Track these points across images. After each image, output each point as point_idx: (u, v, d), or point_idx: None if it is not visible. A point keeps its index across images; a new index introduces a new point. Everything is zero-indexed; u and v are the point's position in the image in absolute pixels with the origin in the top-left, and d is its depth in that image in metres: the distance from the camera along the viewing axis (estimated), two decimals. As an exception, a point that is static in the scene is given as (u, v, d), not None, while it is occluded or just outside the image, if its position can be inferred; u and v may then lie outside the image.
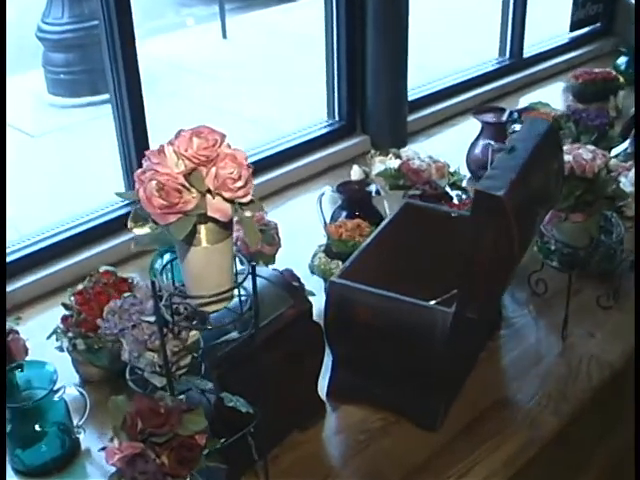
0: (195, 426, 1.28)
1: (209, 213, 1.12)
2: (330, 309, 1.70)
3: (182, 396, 1.38)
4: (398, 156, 2.55)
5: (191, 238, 1.16)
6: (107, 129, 2.37)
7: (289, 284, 1.70)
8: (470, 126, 2.99)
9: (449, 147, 2.84)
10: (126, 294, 1.40)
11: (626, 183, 2.09)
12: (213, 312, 1.28)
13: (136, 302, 1.36)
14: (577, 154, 1.96)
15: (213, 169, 1.13)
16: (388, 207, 2.44)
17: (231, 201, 1.15)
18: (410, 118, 2.92)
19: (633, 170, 2.11)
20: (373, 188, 2.43)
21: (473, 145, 2.70)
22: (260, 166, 2.52)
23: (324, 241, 2.18)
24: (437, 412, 1.74)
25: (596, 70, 2.94)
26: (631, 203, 2.08)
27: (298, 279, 1.84)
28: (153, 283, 1.24)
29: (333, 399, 1.81)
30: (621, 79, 3.05)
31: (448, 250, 1.86)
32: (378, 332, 1.66)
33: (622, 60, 3.30)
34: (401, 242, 1.92)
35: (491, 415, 1.78)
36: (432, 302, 1.70)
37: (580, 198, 1.96)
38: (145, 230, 1.20)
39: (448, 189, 2.41)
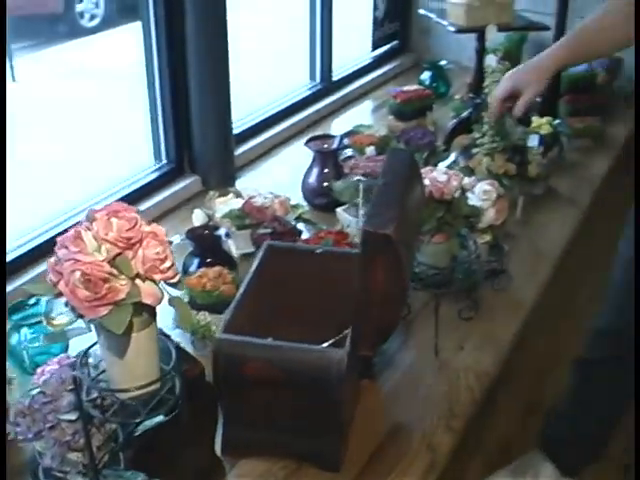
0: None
1: (144, 300, 1.05)
2: (219, 368, 1.62)
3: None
4: (239, 195, 2.53)
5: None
6: None
7: (178, 347, 1.63)
8: (296, 154, 3.03)
9: (279, 178, 2.86)
10: (33, 391, 1.28)
11: (473, 198, 2.18)
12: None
13: (47, 399, 1.25)
14: (432, 178, 2.02)
15: (140, 251, 1.06)
16: (236, 248, 2.41)
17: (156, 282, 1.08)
18: (236, 152, 2.89)
19: (478, 185, 2.21)
20: (222, 231, 2.39)
21: (307, 174, 2.71)
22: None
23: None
24: (338, 451, 1.72)
25: (412, 88, 3.06)
26: (479, 220, 2.18)
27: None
28: (75, 378, 1.14)
29: (229, 456, 1.76)
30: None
31: (321, 286, 1.87)
32: (271, 383, 1.61)
33: (426, 75, 3.45)
34: (274, 285, 1.89)
35: (389, 444, 1.80)
36: (324, 345, 1.68)
37: (441, 220, 2.02)
38: (62, 321, 1.10)
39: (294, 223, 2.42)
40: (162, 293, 1.08)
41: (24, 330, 2.01)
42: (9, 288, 2.20)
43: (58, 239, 1.08)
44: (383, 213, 1.55)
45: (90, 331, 1.69)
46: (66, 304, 1.08)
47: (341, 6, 3.47)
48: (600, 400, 1.97)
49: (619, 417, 2.02)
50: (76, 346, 1.69)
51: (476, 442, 2.20)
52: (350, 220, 2.44)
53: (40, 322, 2.01)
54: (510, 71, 1.60)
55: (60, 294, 1.08)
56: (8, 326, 2.02)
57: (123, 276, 1.05)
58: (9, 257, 2.27)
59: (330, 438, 1.69)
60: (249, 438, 1.73)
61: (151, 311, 1.11)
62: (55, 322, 1.10)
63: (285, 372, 1.58)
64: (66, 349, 2.02)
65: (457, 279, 2.13)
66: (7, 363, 1.90)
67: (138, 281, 1.06)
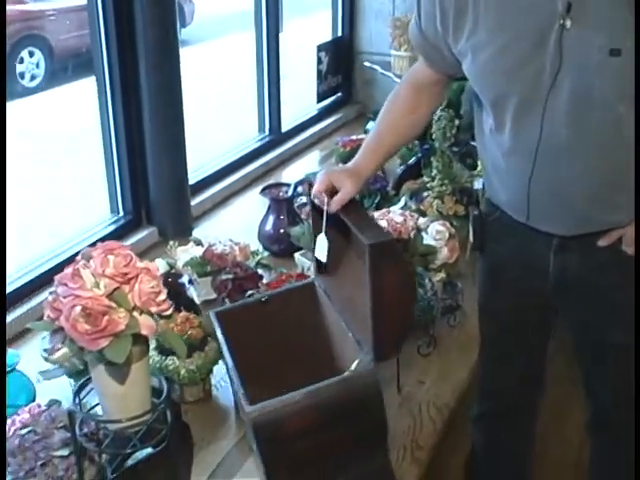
0: None
1: (142, 331, 1.11)
2: (265, 439, 1.52)
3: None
4: (199, 243, 2.59)
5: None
6: None
7: (168, 379, 1.65)
8: (250, 202, 3.11)
9: (235, 226, 2.92)
10: (23, 430, 1.31)
11: (427, 238, 2.29)
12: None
13: (38, 437, 1.28)
14: (390, 219, 2.12)
15: (136, 286, 1.12)
16: (198, 295, 2.46)
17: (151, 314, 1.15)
18: (192, 203, 2.96)
19: (431, 225, 2.32)
20: (185, 279, 2.45)
21: (263, 222, 2.78)
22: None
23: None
24: (389, 463, 1.76)
25: (360, 137, 3.17)
26: (434, 258, 2.28)
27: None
28: (70, 412, 1.19)
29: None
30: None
31: (289, 325, 1.90)
32: (313, 429, 1.56)
33: (371, 125, 3.56)
34: (247, 345, 1.87)
35: None
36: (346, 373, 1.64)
37: (399, 258, 2.11)
38: (60, 354, 1.15)
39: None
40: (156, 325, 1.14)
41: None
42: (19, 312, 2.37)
43: (56, 277, 1.14)
44: (372, 227, 1.60)
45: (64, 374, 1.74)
46: (63, 340, 1.13)
47: (286, 61, 3.60)
48: (504, 444, 2.07)
49: (529, 450, 2.12)
50: (42, 398, 1.73)
51: (442, 468, 2.27)
52: (309, 264, 2.52)
53: (8, 373, 2.03)
54: (329, 169, 1.74)
55: (58, 330, 1.13)
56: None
57: (122, 309, 1.11)
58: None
59: (380, 453, 1.71)
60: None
61: (146, 343, 1.17)
62: (54, 357, 1.15)
63: (328, 410, 1.56)
64: (33, 399, 2.04)
65: (415, 316, 2.22)
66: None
67: (135, 313, 1.12)
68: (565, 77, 1.44)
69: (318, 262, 1.79)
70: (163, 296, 1.14)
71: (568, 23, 1.41)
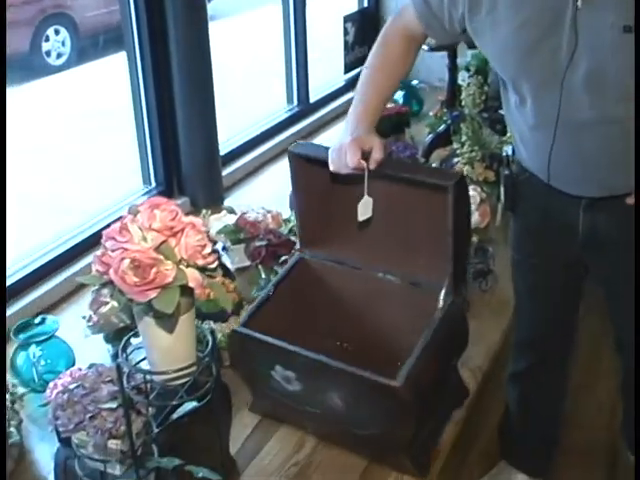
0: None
1: (189, 283, 1.14)
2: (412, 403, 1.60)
3: None
4: (232, 211, 2.62)
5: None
6: None
7: (213, 333, 1.68)
8: (280, 172, 3.13)
9: (265, 195, 2.94)
10: (72, 385, 1.35)
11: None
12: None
13: (86, 391, 1.32)
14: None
15: (182, 239, 1.15)
16: (231, 262, 2.50)
17: (199, 268, 1.17)
18: (223, 173, 2.99)
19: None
20: (219, 246, 2.48)
21: (294, 190, 2.81)
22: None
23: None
24: None
25: (389, 106, 3.17)
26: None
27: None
28: (118, 365, 1.22)
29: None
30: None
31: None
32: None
33: (399, 95, 3.58)
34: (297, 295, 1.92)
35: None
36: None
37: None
38: (107, 308, 1.18)
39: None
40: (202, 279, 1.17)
41: (32, 348, 2.06)
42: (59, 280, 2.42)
43: (104, 232, 1.17)
44: (433, 170, 1.85)
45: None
46: (111, 293, 1.16)
47: (314, 32, 3.61)
48: (536, 404, 2.09)
49: (558, 412, 2.14)
50: (81, 364, 1.77)
51: (476, 429, 2.30)
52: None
53: (48, 339, 2.08)
54: (343, 139, 1.72)
55: (106, 283, 1.16)
56: (14, 345, 2.08)
57: (169, 262, 1.14)
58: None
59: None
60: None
61: (192, 296, 1.20)
62: (102, 310, 1.18)
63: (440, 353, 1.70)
64: (72, 365, 2.09)
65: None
66: (15, 381, 1.97)
67: (182, 266, 1.15)
68: (581, 56, 1.47)
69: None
70: (209, 249, 1.17)
71: (579, 3, 1.44)
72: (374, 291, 1.88)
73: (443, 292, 1.71)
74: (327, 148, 1.71)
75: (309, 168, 1.78)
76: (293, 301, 1.85)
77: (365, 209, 1.72)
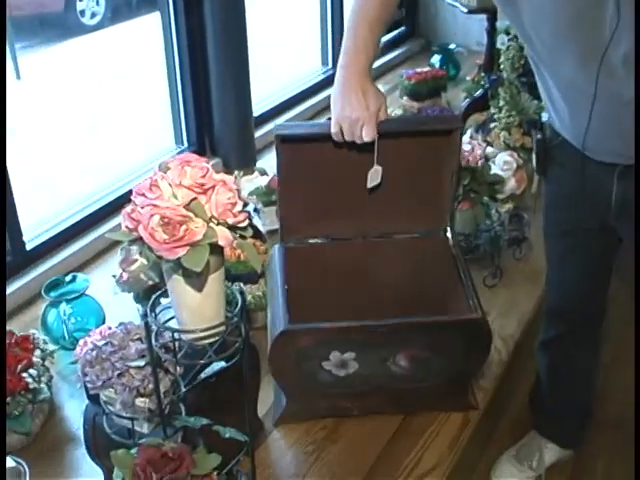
0: (211, 463, 1.26)
1: (219, 241, 1.12)
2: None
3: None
4: (264, 173, 2.60)
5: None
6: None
7: (242, 293, 1.67)
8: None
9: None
10: (100, 342, 1.34)
11: (495, 168, 2.27)
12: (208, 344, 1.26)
13: (115, 349, 1.32)
14: (457, 146, 2.10)
15: (213, 197, 1.13)
16: (263, 224, 2.49)
17: (230, 227, 1.16)
18: (256, 135, 2.97)
19: (499, 155, 2.30)
20: (251, 207, 2.47)
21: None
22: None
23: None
24: None
25: (426, 69, 3.14)
26: (502, 188, 2.26)
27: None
28: (146, 323, 1.21)
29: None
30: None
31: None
32: None
33: (436, 59, 3.53)
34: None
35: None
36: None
37: (467, 187, 2.10)
38: (136, 266, 1.17)
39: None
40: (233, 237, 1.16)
41: (62, 306, 2.08)
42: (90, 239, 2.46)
43: (134, 188, 1.15)
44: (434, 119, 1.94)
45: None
46: (140, 250, 1.15)
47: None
48: (568, 373, 2.06)
49: (589, 383, 2.11)
50: (112, 322, 1.78)
51: (507, 398, 2.28)
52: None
53: (78, 297, 2.08)
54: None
55: (135, 240, 1.15)
56: (46, 303, 2.09)
57: (198, 219, 1.12)
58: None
59: None
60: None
61: (221, 254, 1.19)
62: (130, 268, 1.17)
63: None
64: (102, 323, 2.10)
65: (482, 245, 2.22)
66: (46, 338, 1.98)
67: (212, 224, 1.14)
68: (623, 33, 1.42)
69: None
70: (239, 207, 1.15)
71: None
72: (373, 254, 1.90)
73: (449, 232, 1.84)
74: (316, 124, 1.69)
75: (297, 149, 1.73)
76: (302, 291, 1.81)
77: (375, 177, 1.72)
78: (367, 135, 1.61)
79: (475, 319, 1.68)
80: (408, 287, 1.88)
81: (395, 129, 1.67)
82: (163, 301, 1.36)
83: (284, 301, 1.70)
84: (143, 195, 1.13)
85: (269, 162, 2.92)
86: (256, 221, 2.44)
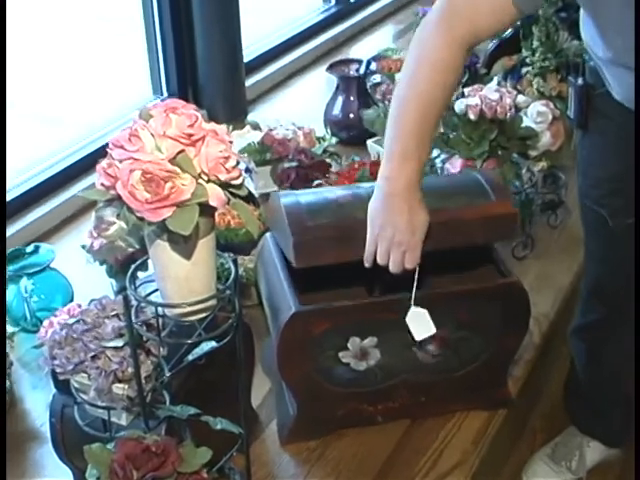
0: (199, 459, 1.27)
1: (210, 201, 1.12)
2: None
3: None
4: (257, 127, 2.60)
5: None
6: None
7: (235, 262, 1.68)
8: (314, 83, 3.10)
9: (296, 110, 2.92)
10: (70, 320, 1.35)
11: (526, 120, 2.26)
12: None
13: (88, 327, 1.32)
14: (483, 96, 2.09)
15: (203, 149, 1.13)
16: (255, 186, 2.48)
17: (221, 184, 1.16)
18: (247, 83, 2.96)
19: (531, 105, 2.28)
20: (242, 166, 2.46)
21: (330, 105, 2.79)
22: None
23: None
24: None
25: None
26: (535, 143, 2.25)
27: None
28: (125, 297, 1.21)
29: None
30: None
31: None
32: None
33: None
34: None
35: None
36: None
37: (494, 142, 2.10)
38: (112, 230, 1.16)
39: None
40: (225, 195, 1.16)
41: (23, 281, 2.06)
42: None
43: (111, 140, 1.15)
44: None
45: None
46: (118, 213, 1.15)
47: None
48: (607, 360, 2.07)
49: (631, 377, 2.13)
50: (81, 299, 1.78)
51: (541, 385, 2.30)
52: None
53: (42, 271, 2.08)
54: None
55: (112, 200, 1.15)
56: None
57: (186, 175, 1.12)
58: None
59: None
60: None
61: (213, 216, 1.19)
62: (107, 232, 1.17)
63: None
64: (70, 301, 2.09)
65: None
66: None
67: (202, 181, 1.14)
68: None
69: None
70: (233, 162, 1.15)
71: None
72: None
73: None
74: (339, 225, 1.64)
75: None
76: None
77: (419, 324, 1.63)
78: (409, 263, 1.57)
79: (511, 283, 1.71)
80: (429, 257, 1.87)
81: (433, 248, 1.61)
82: (142, 275, 1.37)
83: (286, 276, 1.68)
84: (121, 147, 1.13)
85: (262, 115, 2.92)
86: (248, 183, 2.43)
